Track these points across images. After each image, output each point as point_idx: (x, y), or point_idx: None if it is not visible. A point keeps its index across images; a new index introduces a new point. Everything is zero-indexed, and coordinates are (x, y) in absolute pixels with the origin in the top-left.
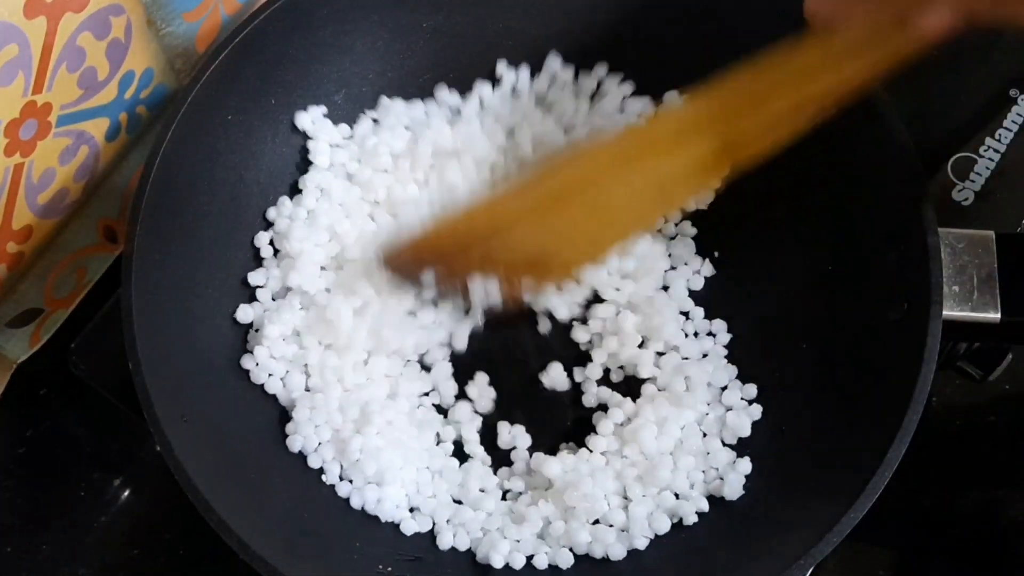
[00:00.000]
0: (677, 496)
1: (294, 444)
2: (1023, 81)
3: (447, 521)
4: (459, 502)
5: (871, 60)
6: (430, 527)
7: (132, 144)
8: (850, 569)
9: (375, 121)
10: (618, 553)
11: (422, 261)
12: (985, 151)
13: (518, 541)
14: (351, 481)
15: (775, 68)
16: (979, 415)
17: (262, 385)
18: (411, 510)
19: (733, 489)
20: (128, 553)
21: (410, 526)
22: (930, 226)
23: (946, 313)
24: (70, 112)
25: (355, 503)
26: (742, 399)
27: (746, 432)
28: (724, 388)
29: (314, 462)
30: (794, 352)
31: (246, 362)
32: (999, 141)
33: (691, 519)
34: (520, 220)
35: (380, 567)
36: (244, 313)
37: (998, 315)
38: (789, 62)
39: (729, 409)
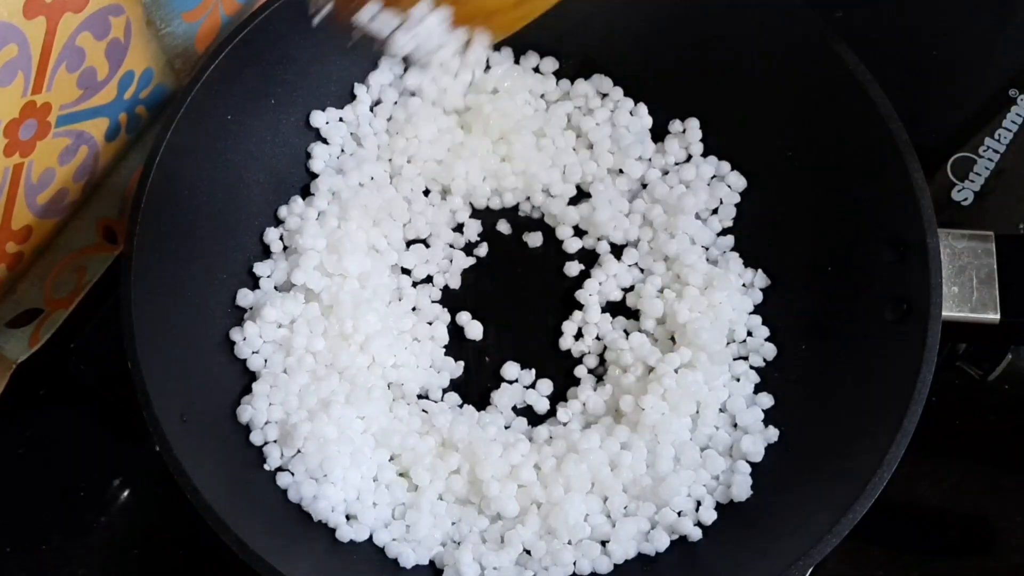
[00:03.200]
0: (679, 513)
1: (243, 414)
2: (1023, 81)
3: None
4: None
5: None
6: (367, 537)
7: (132, 144)
8: (850, 569)
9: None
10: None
11: None
12: (985, 151)
13: (496, 569)
14: (292, 473)
15: None
16: (979, 415)
17: (244, 361)
18: (347, 517)
19: (740, 490)
20: (128, 553)
21: (345, 532)
22: (930, 226)
23: (946, 313)
24: (70, 112)
25: (292, 496)
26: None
27: (759, 457)
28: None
29: (256, 439)
30: (794, 353)
31: (234, 335)
32: (999, 141)
33: (696, 535)
34: None
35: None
36: (244, 297)
37: (998, 316)
38: None
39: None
